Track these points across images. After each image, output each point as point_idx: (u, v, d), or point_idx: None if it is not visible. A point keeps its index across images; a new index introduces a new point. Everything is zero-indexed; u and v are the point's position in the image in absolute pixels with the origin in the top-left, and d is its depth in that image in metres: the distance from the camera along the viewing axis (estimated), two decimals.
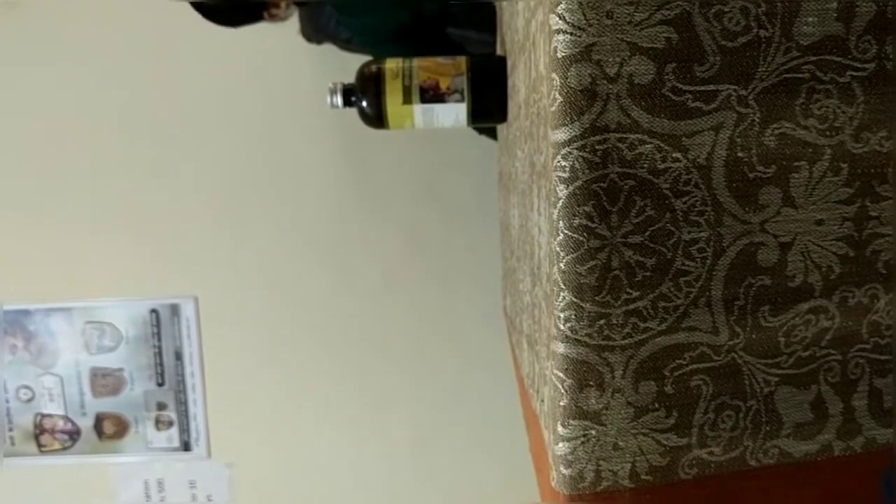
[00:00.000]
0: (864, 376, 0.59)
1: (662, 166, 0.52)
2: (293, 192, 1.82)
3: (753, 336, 0.56)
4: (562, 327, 0.54)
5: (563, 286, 0.54)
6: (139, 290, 1.86)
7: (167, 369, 1.89)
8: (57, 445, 1.95)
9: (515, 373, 1.03)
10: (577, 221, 0.52)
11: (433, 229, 1.81)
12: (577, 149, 0.51)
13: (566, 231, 0.53)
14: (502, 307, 1.35)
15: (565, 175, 0.52)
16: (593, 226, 0.52)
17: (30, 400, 1.92)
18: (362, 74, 1.02)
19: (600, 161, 0.52)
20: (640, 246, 0.53)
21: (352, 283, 1.84)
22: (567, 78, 0.51)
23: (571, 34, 0.50)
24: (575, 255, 0.53)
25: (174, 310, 1.86)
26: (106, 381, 1.90)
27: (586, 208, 0.52)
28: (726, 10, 0.50)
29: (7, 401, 1.92)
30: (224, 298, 1.85)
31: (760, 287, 0.55)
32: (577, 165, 0.52)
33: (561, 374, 0.55)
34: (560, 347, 0.55)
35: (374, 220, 1.82)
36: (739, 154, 0.53)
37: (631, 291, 0.54)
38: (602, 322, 0.54)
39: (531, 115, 0.69)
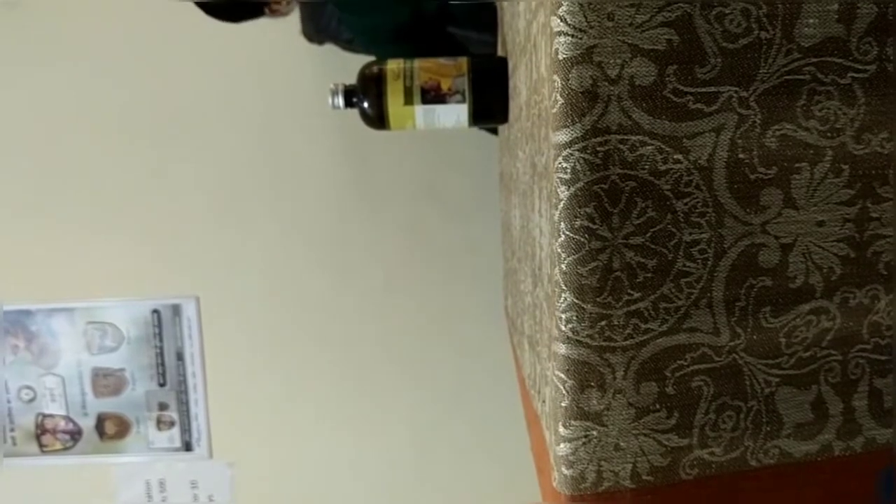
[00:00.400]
0: (865, 377, 0.59)
1: (664, 168, 0.52)
2: (295, 193, 1.82)
3: (754, 337, 0.56)
4: (563, 328, 0.54)
5: (564, 287, 0.54)
6: (141, 290, 1.86)
7: (169, 369, 1.89)
8: (58, 445, 1.94)
9: (516, 373, 1.04)
10: (578, 223, 0.52)
11: (434, 230, 1.81)
12: (578, 150, 0.52)
13: (567, 232, 0.53)
14: (503, 308, 1.35)
15: (567, 176, 0.52)
16: (594, 227, 0.52)
17: (31, 400, 1.92)
18: (363, 75, 1.02)
19: (601, 162, 0.52)
20: (642, 247, 0.53)
21: (353, 283, 1.84)
22: (568, 80, 0.51)
23: (573, 36, 0.50)
24: (576, 256, 0.53)
25: (176, 310, 1.86)
26: (107, 382, 1.90)
27: (588, 209, 0.52)
28: (727, 11, 0.51)
29: (8, 401, 1.92)
30: (226, 299, 1.85)
31: (761, 288, 0.55)
32: (578, 167, 0.52)
33: (562, 375, 0.55)
34: (561, 348, 0.55)
35: (375, 221, 1.82)
36: (741, 155, 0.53)
37: (632, 292, 0.54)
38: (603, 323, 0.54)
39: (532, 116, 0.69)
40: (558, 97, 0.51)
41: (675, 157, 0.52)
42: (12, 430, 1.93)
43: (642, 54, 0.50)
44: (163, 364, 1.88)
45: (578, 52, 0.50)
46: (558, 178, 0.52)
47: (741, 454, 0.58)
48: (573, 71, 0.51)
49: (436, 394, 1.87)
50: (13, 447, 1.93)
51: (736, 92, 0.52)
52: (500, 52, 1.15)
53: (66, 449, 1.93)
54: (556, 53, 0.51)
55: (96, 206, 1.84)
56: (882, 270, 0.56)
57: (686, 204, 0.53)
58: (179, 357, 1.88)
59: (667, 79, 0.51)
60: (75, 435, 1.93)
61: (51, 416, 1.92)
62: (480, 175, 1.65)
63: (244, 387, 1.89)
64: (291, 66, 1.76)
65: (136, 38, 1.79)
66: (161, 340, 1.87)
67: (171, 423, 1.91)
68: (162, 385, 1.89)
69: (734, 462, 0.58)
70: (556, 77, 0.52)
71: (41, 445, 1.94)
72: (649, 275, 0.54)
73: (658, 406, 0.56)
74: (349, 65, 1.14)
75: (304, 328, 1.86)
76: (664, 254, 0.54)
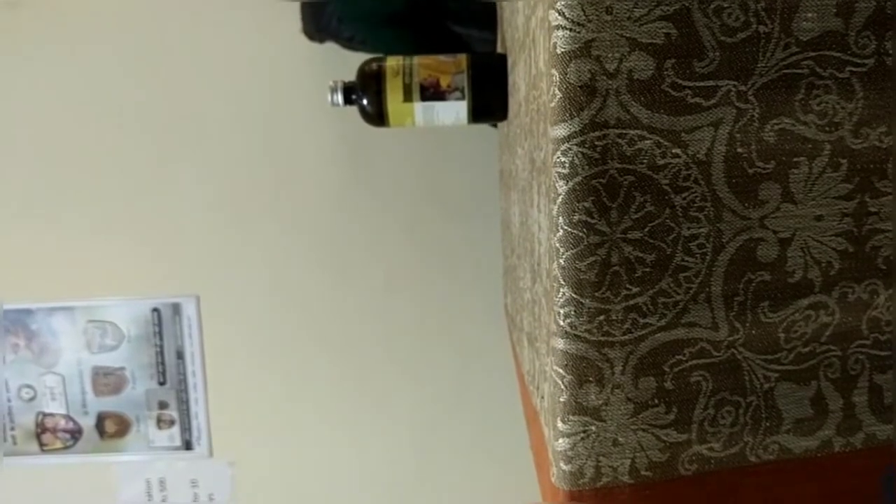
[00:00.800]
0: (864, 372, 0.59)
1: (662, 162, 0.52)
2: (294, 191, 1.82)
3: (753, 332, 0.56)
4: (561, 323, 0.54)
5: (562, 282, 0.54)
6: (141, 289, 1.86)
7: (169, 368, 1.89)
8: (59, 444, 1.95)
9: (516, 370, 1.04)
10: (576, 217, 0.52)
11: (434, 227, 1.81)
12: (576, 145, 0.51)
13: (566, 227, 0.53)
14: (503, 305, 1.35)
15: (565, 171, 0.52)
16: (593, 222, 0.52)
17: (32, 399, 1.92)
18: (363, 72, 1.02)
19: (600, 157, 0.52)
20: (640, 242, 0.53)
21: (353, 281, 1.84)
22: (566, 74, 0.51)
23: (571, 30, 0.50)
24: (574, 251, 0.53)
25: (176, 309, 1.86)
26: (108, 380, 1.90)
27: (586, 204, 0.52)
28: (725, 5, 0.51)
29: (9, 400, 1.93)
30: (226, 297, 1.86)
31: (760, 283, 0.55)
32: (576, 161, 0.52)
33: (561, 371, 0.55)
34: (560, 343, 0.55)
35: (375, 218, 1.82)
36: (739, 150, 0.53)
37: (630, 287, 0.54)
38: (602, 318, 0.54)
39: (531, 111, 0.69)
40: (556, 91, 0.51)
41: (673, 151, 0.52)
42: (12, 428, 1.93)
43: (640, 48, 0.50)
44: (163, 363, 1.89)
45: (576, 46, 0.50)
46: (556, 172, 0.52)
47: (740, 450, 0.58)
48: (571, 65, 0.51)
49: (435, 392, 1.87)
50: (13, 446, 1.94)
51: (734, 86, 0.52)
52: (499, 49, 1.15)
53: (66, 448, 1.94)
54: (555, 48, 0.51)
55: (96, 205, 1.84)
56: (881, 265, 0.56)
57: (684, 198, 0.53)
58: (179, 356, 1.88)
59: (665, 73, 0.51)
60: (75, 434, 1.93)
61: (51, 414, 1.92)
62: (480, 172, 1.65)
63: (244, 386, 1.89)
64: (292, 65, 1.76)
65: (136, 37, 1.80)
66: (161, 339, 1.88)
67: (172, 422, 1.92)
68: (162, 384, 1.90)
69: (733, 458, 0.58)
70: (554, 71, 0.51)
71: (41, 444, 1.94)
72: (648, 269, 0.54)
73: (657, 401, 0.56)
74: (349, 63, 1.14)
75: (304, 327, 1.86)
76: (663, 248, 0.53)
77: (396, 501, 1.92)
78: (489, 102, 1.00)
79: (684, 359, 0.56)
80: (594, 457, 0.57)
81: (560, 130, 0.52)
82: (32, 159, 1.83)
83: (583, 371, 0.55)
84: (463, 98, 0.99)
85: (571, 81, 0.51)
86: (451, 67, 0.99)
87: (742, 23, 0.51)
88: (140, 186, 1.83)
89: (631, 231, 0.53)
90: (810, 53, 0.52)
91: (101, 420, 1.93)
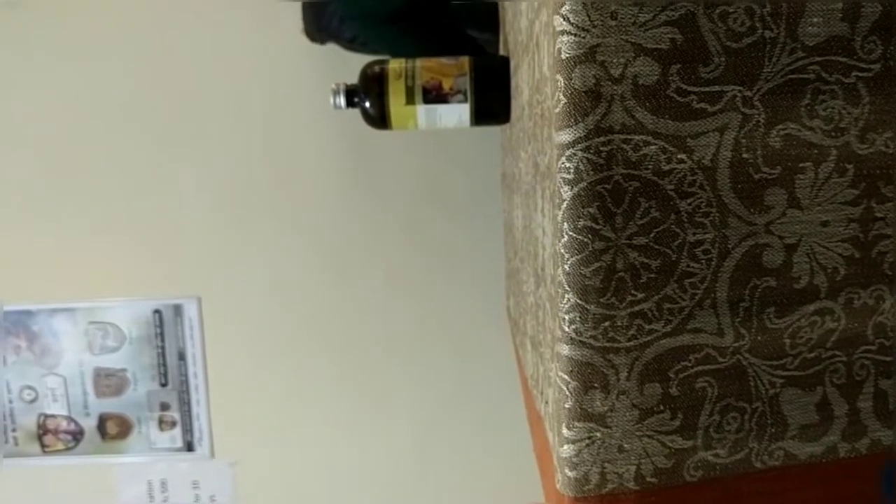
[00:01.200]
0: (870, 378, 0.58)
1: (667, 167, 0.52)
2: (296, 193, 1.82)
3: (759, 338, 0.56)
4: (566, 329, 0.54)
5: (567, 288, 0.53)
6: (142, 290, 1.86)
7: (170, 369, 1.89)
8: (60, 446, 1.95)
9: (519, 373, 1.03)
10: (581, 223, 0.52)
11: (436, 229, 1.81)
12: (581, 150, 0.51)
13: (571, 233, 0.52)
14: (505, 307, 1.35)
15: (570, 176, 0.52)
16: (598, 227, 0.52)
17: (33, 400, 1.92)
18: (365, 75, 1.01)
19: (605, 162, 0.51)
20: (645, 247, 0.53)
21: (355, 283, 1.84)
22: (571, 79, 0.51)
23: (576, 35, 0.50)
24: (579, 256, 0.53)
25: (177, 310, 1.86)
26: (109, 382, 1.90)
27: (591, 210, 0.52)
28: (731, 10, 0.50)
29: (11, 401, 1.93)
30: (227, 299, 1.86)
31: (766, 289, 0.55)
32: (581, 167, 0.51)
33: (566, 377, 0.55)
34: (565, 349, 0.55)
35: (377, 221, 1.82)
36: (745, 155, 0.52)
37: (636, 293, 0.53)
38: (607, 324, 0.54)
39: (535, 115, 0.69)
40: (561, 97, 0.51)
41: (678, 156, 0.52)
42: (14, 430, 1.93)
43: (646, 53, 0.50)
44: (164, 364, 1.89)
45: (581, 51, 0.50)
46: (561, 178, 0.52)
47: (746, 456, 0.58)
48: (576, 70, 0.50)
49: (436, 393, 1.87)
50: (15, 447, 1.94)
51: (740, 91, 0.52)
52: (501, 52, 1.15)
53: (67, 449, 1.94)
54: (559, 53, 0.51)
55: (97, 206, 1.84)
56: (887, 271, 0.56)
57: (690, 204, 0.53)
58: (181, 357, 1.88)
59: (670, 78, 0.51)
60: (77, 435, 1.93)
61: (53, 416, 1.92)
62: (482, 175, 1.65)
63: (246, 387, 1.89)
64: (293, 66, 1.76)
65: (137, 38, 1.79)
66: (163, 340, 1.88)
67: (173, 424, 1.92)
68: (164, 385, 1.90)
69: (739, 464, 0.58)
70: (558, 76, 0.51)
71: (43, 446, 1.94)
72: (653, 275, 0.53)
73: (662, 407, 0.56)
74: (351, 64, 1.14)
75: (305, 328, 1.86)
76: (668, 254, 0.53)
77: (397, 502, 1.92)
78: (492, 105, 1.00)
79: (690, 365, 0.55)
80: (599, 463, 0.56)
81: (565, 136, 0.52)
82: (33, 159, 1.83)
83: (588, 377, 0.55)
84: (465, 101, 0.99)
85: (576, 87, 0.51)
86: (453, 70, 0.99)
87: (748, 28, 0.51)
88: (141, 188, 1.82)
89: (636, 237, 0.53)
90: (816, 58, 0.52)
91: (102, 421, 1.93)
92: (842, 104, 0.53)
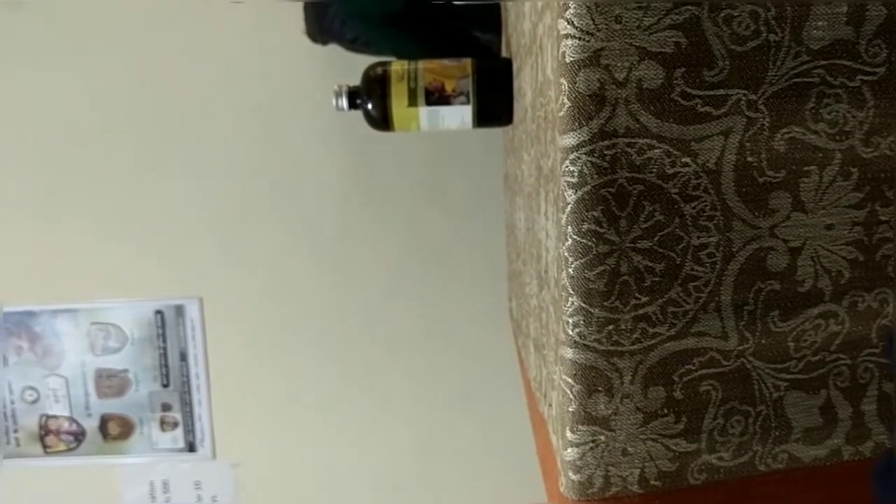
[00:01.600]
0: (874, 381, 0.58)
1: (671, 171, 0.52)
2: (298, 194, 1.81)
3: (763, 341, 0.56)
4: (570, 332, 0.54)
5: (571, 291, 0.53)
6: (144, 291, 1.86)
7: (172, 370, 1.89)
8: (62, 446, 1.95)
9: (521, 375, 1.03)
10: (585, 226, 0.52)
11: (438, 231, 1.81)
12: (585, 154, 0.51)
13: (575, 236, 0.52)
14: (508, 309, 1.35)
15: (574, 180, 0.52)
16: (602, 231, 0.52)
17: (35, 401, 1.92)
18: (367, 76, 1.01)
19: (609, 166, 0.51)
20: (649, 251, 0.53)
21: (357, 284, 1.84)
22: (575, 83, 0.51)
23: (580, 39, 0.50)
24: (583, 260, 0.53)
25: (179, 311, 1.86)
26: (111, 383, 1.90)
27: (595, 213, 0.52)
28: (736, 14, 0.50)
29: (12, 402, 1.93)
30: (228, 299, 1.85)
31: (770, 292, 0.55)
32: (585, 170, 0.51)
33: (569, 380, 0.55)
34: (568, 353, 0.55)
35: (379, 222, 1.81)
36: (749, 159, 0.52)
37: (640, 297, 0.53)
38: (611, 327, 0.54)
39: (538, 118, 0.69)
40: (565, 100, 0.51)
41: (683, 160, 0.52)
42: (16, 431, 1.93)
43: (650, 57, 0.50)
44: (166, 365, 1.89)
45: (586, 55, 0.50)
46: (565, 181, 0.52)
47: (750, 459, 0.58)
48: (580, 74, 0.50)
49: (438, 394, 1.86)
50: (17, 448, 1.94)
51: (744, 95, 0.51)
52: (504, 54, 1.15)
53: (69, 450, 1.94)
54: (563, 56, 0.51)
55: (99, 207, 1.83)
56: (891, 274, 0.56)
57: (694, 207, 0.53)
58: (183, 358, 1.88)
59: (675, 82, 0.51)
60: (79, 436, 1.93)
61: (54, 416, 1.92)
62: (484, 177, 1.65)
63: (247, 388, 1.89)
64: (295, 67, 1.76)
65: (139, 39, 1.79)
66: (164, 341, 1.88)
67: (175, 424, 1.92)
68: (165, 386, 1.90)
69: (743, 467, 0.58)
70: (563, 80, 0.51)
71: (45, 446, 1.94)
72: (657, 279, 0.53)
73: (666, 411, 0.56)
74: (353, 66, 1.14)
75: (307, 329, 1.86)
76: (672, 258, 0.53)
77: (399, 503, 1.92)
78: (494, 107, 1.00)
79: (694, 368, 0.55)
80: (603, 467, 0.56)
81: (569, 139, 0.52)
82: (35, 160, 1.83)
83: (592, 381, 0.55)
84: (468, 103, 0.99)
85: (580, 90, 0.51)
86: (456, 72, 0.99)
87: (752, 31, 0.51)
88: (143, 188, 1.82)
89: (640, 240, 0.53)
90: (821, 62, 0.52)
91: (104, 422, 1.93)
92: (846, 108, 0.53)
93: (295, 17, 1.58)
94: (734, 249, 0.54)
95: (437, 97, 0.99)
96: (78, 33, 1.80)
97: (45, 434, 1.93)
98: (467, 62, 1.00)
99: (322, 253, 1.83)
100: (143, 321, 1.86)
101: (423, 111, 0.99)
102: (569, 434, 0.56)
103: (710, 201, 0.53)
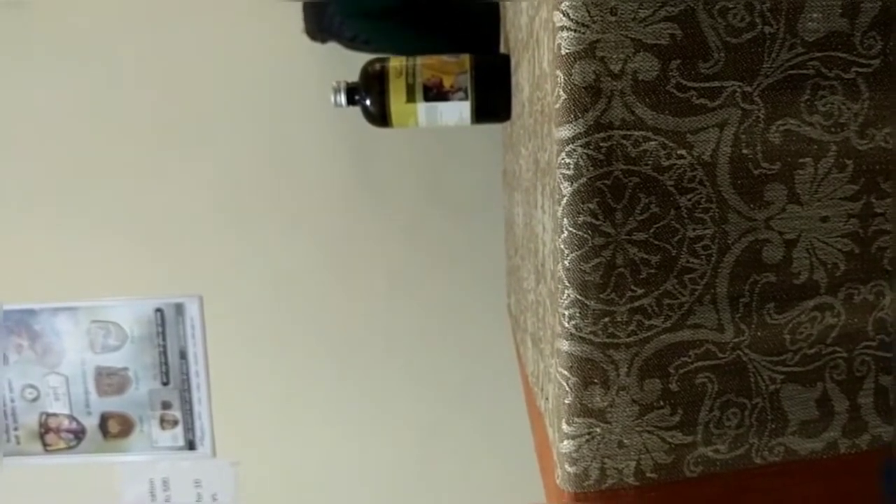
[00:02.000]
0: (870, 374, 0.58)
1: (667, 163, 0.52)
2: (297, 191, 1.81)
3: (759, 333, 0.56)
4: (566, 325, 0.54)
5: (567, 284, 0.53)
6: (144, 289, 1.86)
7: (172, 368, 1.89)
8: (62, 445, 1.95)
9: (520, 371, 1.03)
10: (581, 219, 0.52)
11: (437, 227, 1.81)
12: (581, 146, 0.51)
13: (570, 228, 0.52)
14: (506, 305, 1.35)
15: (569, 172, 0.52)
16: (598, 223, 0.52)
17: (35, 399, 1.93)
18: (366, 73, 1.02)
19: (604, 158, 0.51)
20: (645, 243, 0.53)
21: (356, 280, 1.84)
22: (571, 75, 0.51)
23: (575, 31, 0.50)
24: (579, 252, 0.53)
25: (179, 309, 1.86)
26: (111, 381, 1.91)
27: (591, 205, 0.52)
28: (731, 6, 0.50)
29: (12, 400, 1.93)
30: (229, 297, 1.85)
31: (766, 284, 0.55)
32: (581, 162, 0.51)
33: (566, 372, 0.55)
34: (564, 345, 0.55)
35: (378, 219, 1.81)
36: (744, 151, 0.53)
37: (636, 289, 0.54)
38: (607, 320, 0.54)
39: (535, 112, 0.69)
40: (561, 92, 0.51)
41: (678, 152, 0.52)
42: (16, 429, 1.94)
43: (645, 49, 0.50)
44: (166, 363, 1.89)
45: (581, 47, 0.50)
46: (561, 174, 0.52)
47: (746, 452, 0.58)
48: (576, 66, 0.50)
49: (438, 392, 1.86)
50: (17, 446, 1.94)
51: (740, 87, 0.52)
52: (502, 49, 1.15)
53: (69, 448, 1.94)
54: (559, 49, 0.51)
55: (99, 205, 1.84)
56: (887, 266, 0.56)
57: (689, 200, 0.53)
58: (183, 356, 1.88)
59: (670, 74, 0.51)
60: (79, 434, 1.93)
61: (54, 415, 1.92)
62: (483, 172, 1.65)
63: (247, 386, 1.89)
64: (294, 65, 1.76)
65: (139, 38, 1.79)
66: (164, 339, 1.88)
67: (175, 422, 1.92)
68: (165, 384, 1.90)
69: (739, 459, 0.58)
70: (558, 72, 0.51)
71: (45, 444, 1.94)
72: (653, 271, 0.53)
73: (662, 403, 0.56)
74: (352, 64, 1.14)
75: (307, 327, 1.86)
76: (668, 250, 0.53)
77: (400, 502, 1.92)
78: (492, 103, 1.00)
79: (690, 360, 0.55)
80: (599, 459, 0.56)
81: (565, 132, 0.52)
82: (35, 158, 1.83)
83: (588, 373, 0.55)
84: (466, 98, 0.99)
85: (576, 83, 0.51)
86: (454, 68, 0.99)
87: (747, 23, 0.51)
88: (143, 186, 1.82)
89: (636, 232, 0.53)
90: (816, 54, 0.52)
91: (104, 420, 1.93)
92: (841, 100, 0.53)
93: (294, 15, 1.58)
94: (730, 241, 0.54)
95: (436, 93, 0.99)
96: (78, 33, 1.81)
97: (45, 432, 1.93)
98: (465, 58, 1.00)
99: (321, 249, 1.83)
100: (143, 319, 1.86)
101: (422, 107, 0.99)
102: (565, 426, 0.56)
103: (706, 193, 0.53)
